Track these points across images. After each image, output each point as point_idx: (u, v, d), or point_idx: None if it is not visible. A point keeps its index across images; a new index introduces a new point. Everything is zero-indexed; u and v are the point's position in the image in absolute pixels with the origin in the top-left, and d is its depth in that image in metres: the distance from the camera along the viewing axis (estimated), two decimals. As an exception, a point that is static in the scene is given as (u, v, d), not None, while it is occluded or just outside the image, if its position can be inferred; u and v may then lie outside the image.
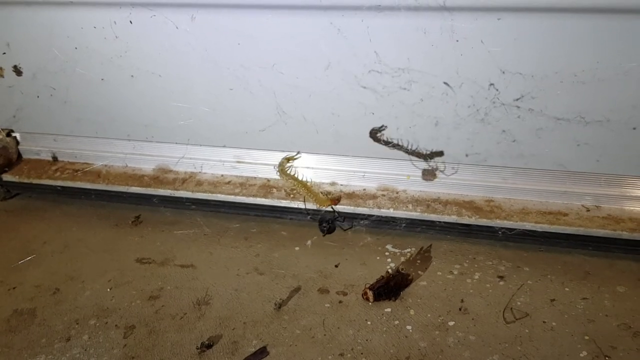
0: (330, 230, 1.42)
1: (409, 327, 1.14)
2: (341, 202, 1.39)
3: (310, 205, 1.40)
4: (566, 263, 1.29)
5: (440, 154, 1.31)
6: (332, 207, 1.38)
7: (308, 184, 1.40)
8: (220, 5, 1.23)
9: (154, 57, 1.35)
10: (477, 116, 1.22)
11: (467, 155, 1.30)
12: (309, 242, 1.42)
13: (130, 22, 1.31)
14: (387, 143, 1.30)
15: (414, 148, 1.31)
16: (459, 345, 1.09)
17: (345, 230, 1.44)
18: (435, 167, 1.34)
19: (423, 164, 1.34)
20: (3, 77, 1.51)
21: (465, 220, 1.32)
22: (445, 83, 1.20)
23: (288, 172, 1.40)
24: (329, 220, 1.40)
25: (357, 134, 1.33)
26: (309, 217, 1.44)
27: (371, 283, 1.23)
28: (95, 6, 1.31)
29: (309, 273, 1.31)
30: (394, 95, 1.25)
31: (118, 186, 1.55)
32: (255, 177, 1.51)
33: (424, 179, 1.36)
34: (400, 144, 1.31)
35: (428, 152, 1.31)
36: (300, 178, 1.40)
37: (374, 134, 1.30)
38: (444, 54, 1.16)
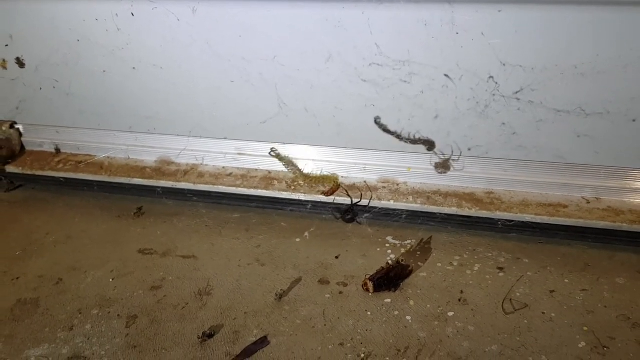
0: (354, 218, 1.41)
1: (408, 318, 1.15)
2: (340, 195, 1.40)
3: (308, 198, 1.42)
4: (566, 255, 1.29)
5: (438, 145, 1.32)
6: (348, 194, 1.39)
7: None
8: (222, -2, 1.24)
9: (156, 49, 1.36)
10: (478, 109, 1.23)
11: (468, 149, 1.30)
12: (306, 233, 1.43)
13: (132, 14, 1.31)
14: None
15: (414, 139, 1.32)
16: (458, 336, 1.10)
17: (359, 223, 1.44)
18: (437, 159, 1.35)
19: (429, 156, 1.35)
20: (6, 69, 1.52)
21: (466, 212, 1.32)
22: (445, 75, 1.20)
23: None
24: (350, 208, 1.39)
25: (358, 126, 1.34)
26: (309, 206, 1.45)
27: (371, 274, 1.24)
28: (97, -2, 1.32)
29: (309, 264, 1.32)
30: (395, 88, 1.25)
31: (120, 178, 1.55)
32: (256, 169, 1.52)
33: (437, 171, 1.37)
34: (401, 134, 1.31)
35: (427, 144, 1.32)
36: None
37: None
38: (445, 46, 1.16)
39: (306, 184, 1.41)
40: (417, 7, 1.13)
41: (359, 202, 1.38)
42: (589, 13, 1.06)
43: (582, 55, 1.10)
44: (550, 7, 1.07)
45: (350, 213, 1.39)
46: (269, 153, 1.44)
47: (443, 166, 1.35)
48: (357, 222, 1.42)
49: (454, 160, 1.34)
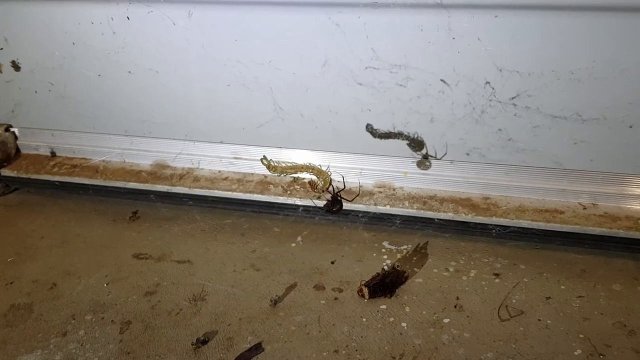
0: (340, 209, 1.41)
1: (404, 324, 1.15)
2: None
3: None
4: (562, 261, 1.29)
5: (435, 152, 1.32)
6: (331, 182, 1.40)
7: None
8: (217, 2, 1.23)
9: (152, 53, 1.35)
10: (474, 114, 1.22)
11: (464, 153, 1.30)
12: (299, 238, 1.42)
13: (128, 18, 1.31)
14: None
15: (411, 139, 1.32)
16: (453, 343, 1.10)
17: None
18: (430, 163, 1.34)
19: (419, 159, 1.35)
20: (1, 72, 1.52)
21: (462, 217, 1.32)
22: (442, 80, 1.20)
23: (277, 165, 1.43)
24: (334, 199, 1.39)
25: (354, 130, 1.33)
26: (301, 209, 1.45)
27: (367, 280, 1.23)
28: (92, 2, 1.31)
29: (305, 269, 1.32)
30: (391, 92, 1.25)
31: (116, 182, 1.55)
32: (252, 174, 1.51)
33: (420, 168, 1.37)
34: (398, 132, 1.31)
35: (423, 148, 1.32)
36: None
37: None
38: (441, 52, 1.16)
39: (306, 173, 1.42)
40: (413, 12, 1.12)
41: (340, 190, 1.39)
42: (585, 18, 1.05)
43: (578, 61, 1.10)
44: (546, 12, 1.06)
45: (335, 205, 1.39)
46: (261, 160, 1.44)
47: (433, 168, 1.35)
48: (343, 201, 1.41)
49: (449, 164, 1.33)
